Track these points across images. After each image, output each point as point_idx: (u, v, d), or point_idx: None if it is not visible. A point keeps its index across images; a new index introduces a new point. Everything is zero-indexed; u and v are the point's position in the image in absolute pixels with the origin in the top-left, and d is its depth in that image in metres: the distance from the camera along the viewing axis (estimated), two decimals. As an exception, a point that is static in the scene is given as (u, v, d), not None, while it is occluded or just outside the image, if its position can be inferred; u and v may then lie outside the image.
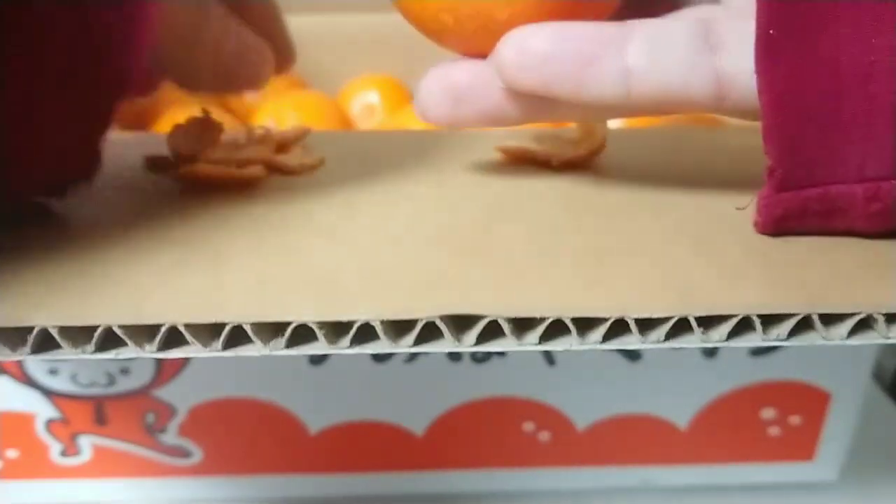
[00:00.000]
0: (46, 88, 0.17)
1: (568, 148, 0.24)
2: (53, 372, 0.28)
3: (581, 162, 0.24)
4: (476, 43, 0.19)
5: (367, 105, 0.47)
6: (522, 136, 0.25)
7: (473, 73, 0.19)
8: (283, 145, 0.24)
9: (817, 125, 0.17)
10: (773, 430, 0.31)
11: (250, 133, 0.25)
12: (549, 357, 0.29)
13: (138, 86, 0.20)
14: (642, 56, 0.17)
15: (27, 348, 0.15)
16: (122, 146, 0.26)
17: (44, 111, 0.17)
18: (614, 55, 0.17)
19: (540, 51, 0.17)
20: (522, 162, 0.24)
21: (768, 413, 0.31)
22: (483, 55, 0.19)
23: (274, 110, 0.42)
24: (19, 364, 0.28)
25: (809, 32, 0.16)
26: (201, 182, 0.22)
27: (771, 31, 0.16)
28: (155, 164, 0.23)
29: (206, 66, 0.22)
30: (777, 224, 0.18)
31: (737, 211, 0.19)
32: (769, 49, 0.16)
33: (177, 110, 0.41)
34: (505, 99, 0.19)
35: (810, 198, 0.17)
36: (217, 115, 0.39)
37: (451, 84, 0.19)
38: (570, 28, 0.18)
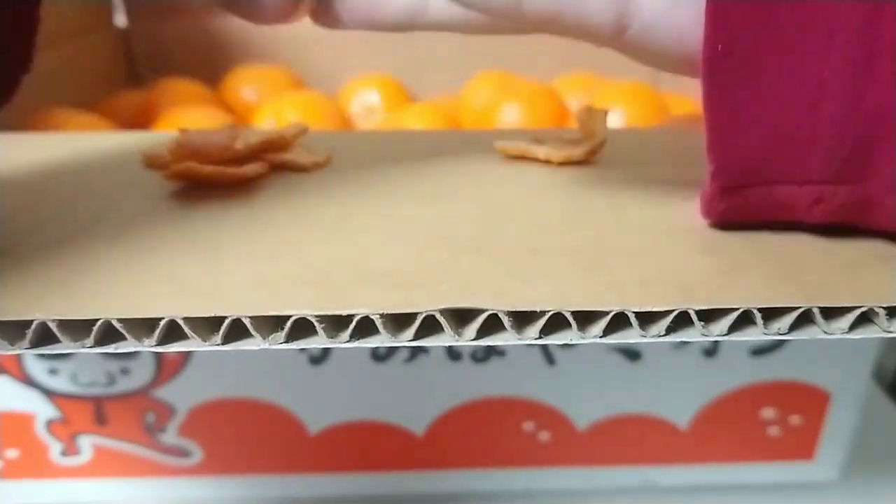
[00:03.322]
0: None
1: (568, 148, 0.24)
2: (53, 372, 0.28)
3: (581, 161, 0.24)
4: None
5: (366, 105, 0.47)
6: (523, 137, 0.25)
7: None
8: (283, 144, 0.24)
9: (762, 138, 0.17)
10: (774, 430, 0.31)
11: (250, 132, 0.25)
12: (549, 357, 0.29)
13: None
14: None
15: (26, 342, 0.15)
16: (122, 145, 0.26)
17: None
18: None
19: None
20: (522, 161, 0.24)
21: (768, 413, 0.31)
22: None
23: (274, 110, 0.42)
24: (20, 364, 0.28)
25: (756, 56, 0.16)
26: (201, 180, 0.22)
27: (719, 47, 0.16)
28: (154, 162, 0.23)
29: None
30: (721, 217, 0.18)
31: None
32: (715, 68, 0.16)
33: (177, 110, 0.41)
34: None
35: (753, 195, 0.17)
36: (217, 114, 0.39)
37: None
38: None
